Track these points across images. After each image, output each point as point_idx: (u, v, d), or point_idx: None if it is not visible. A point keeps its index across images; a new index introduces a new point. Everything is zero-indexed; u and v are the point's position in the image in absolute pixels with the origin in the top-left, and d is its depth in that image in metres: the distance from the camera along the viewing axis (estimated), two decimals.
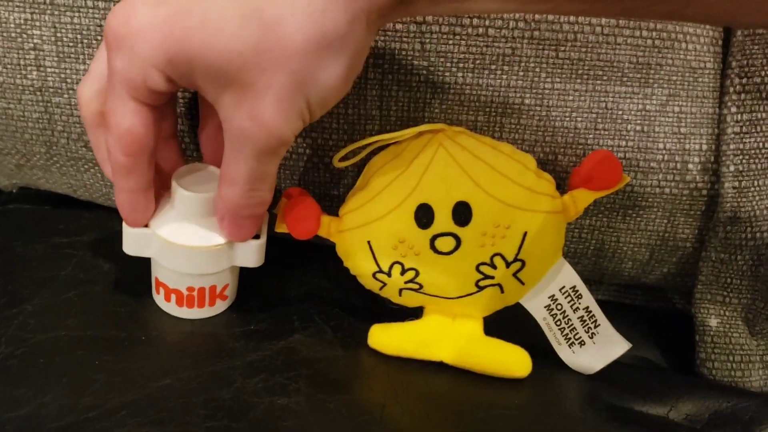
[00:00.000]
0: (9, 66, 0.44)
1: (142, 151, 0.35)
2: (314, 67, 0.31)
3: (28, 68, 0.44)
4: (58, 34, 0.43)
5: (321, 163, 0.45)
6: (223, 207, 0.37)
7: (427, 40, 0.41)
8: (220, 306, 0.43)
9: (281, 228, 0.41)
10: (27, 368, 0.37)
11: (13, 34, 0.44)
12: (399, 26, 0.40)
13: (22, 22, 0.43)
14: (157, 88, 0.33)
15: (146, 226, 0.39)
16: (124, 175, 0.36)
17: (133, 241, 0.40)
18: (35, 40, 0.44)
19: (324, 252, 0.43)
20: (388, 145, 0.41)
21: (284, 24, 0.30)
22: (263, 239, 0.40)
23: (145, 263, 0.42)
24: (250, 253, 0.40)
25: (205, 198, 0.39)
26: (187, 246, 0.39)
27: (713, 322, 0.45)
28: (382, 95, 0.42)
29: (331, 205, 0.46)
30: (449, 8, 0.34)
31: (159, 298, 0.43)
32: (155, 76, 0.32)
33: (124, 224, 0.39)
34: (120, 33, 0.31)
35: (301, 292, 0.46)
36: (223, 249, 0.39)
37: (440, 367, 0.42)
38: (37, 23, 0.43)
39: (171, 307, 0.42)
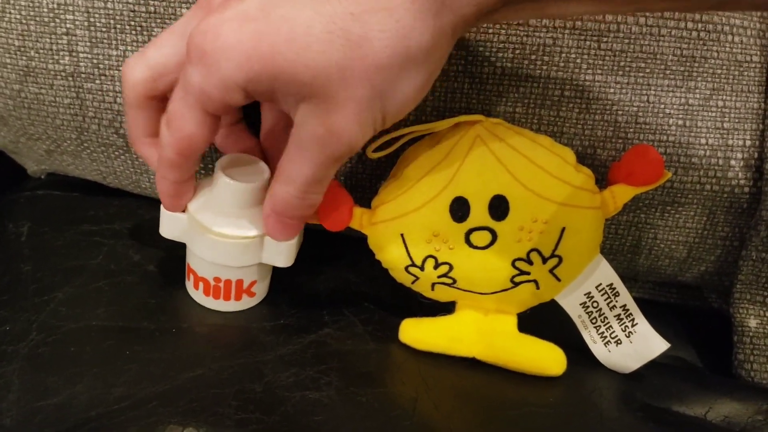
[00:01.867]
0: (41, 51, 0.44)
1: (194, 154, 0.35)
2: (396, 80, 0.31)
3: (61, 53, 0.44)
4: (91, 19, 0.43)
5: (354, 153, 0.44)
6: (272, 204, 0.36)
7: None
8: (247, 302, 0.42)
9: (313, 219, 0.40)
10: (58, 357, 0.37)
11: (45, 19, 0.43)
12: None
13: (56, 6, 0.43)
14: (234, 104, 0.33)
15: (184, 210, 0.39)
16: (170, 169, 0.36)
17: (169, 224, 0.40)
18: (68, 25, 0.43)
19: (355, 244, 0.42)
20: (423, 136, 0.40)
21: (371, 42, 0.30)
22: (294, 239, 0.40)
23: (174, 255, 0.42)
24: (280, 253, 0.40)
25: (244, 188, 0.39)
26: (218, 233, 0.39)
27: (752, 322, 0.44)
28: None
29: (363, 196, 0.46)
30: (534, 14, 0.34)
31: (189, 285, 0.43)
32: (235, 93, 0.32)
33: (162, 207, 0.39)
34: (205, 49, 0.31)
35: (331, 286, 0.45)
36: (252, 243, 0.39)
37: (472, 363, 0.41)
38: (71, 8, 0.43)
39: (198, 296, 0.42)
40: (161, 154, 0.36)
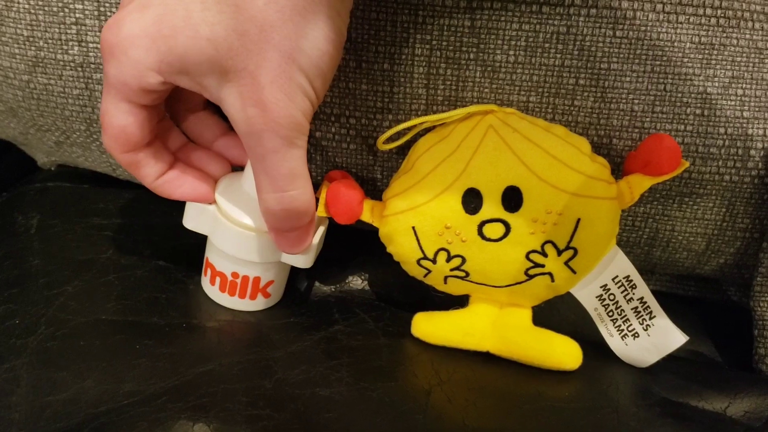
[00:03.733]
0: (50, 41, 0.44)
1: (138, 147, 0.36)
2: (295, 36, 0.32)
3: (70, 43, 0.44)
4: (101, 9, 0.43)
5: (364, 145, 0.44)
6: (266, 219, 0.37)
7: (478, 17, 0.39)
8: (261, 302, 0.42)
9: (323, 212, 0.40)
10: (67, 351, 0.37)
11: (54, 9, 0.43)
12: (448, 2, 0.39)
13: None
14: (153, 88, 0.33)
15: (211, 203, 0.40)
16: (135, 170, 0.37)
17: (194, 215, 0.40)
18: (77, 15, 0.43)
19: (366, 237, 0.42)
20: (434, 127, 0.40)
21: (255, 2, 0.31)
22: (316, 240, 0.39)
23: (185, 250, 0.41)
24: (300, 254, 0.40)
25: None
26: (241, 224, 0.39)
27: None
28: (429, 73, 0.41)
29: (374, 188, 0.45)
30: None
31: (205, 280, 0.42)
32: (150, 77, 0.33)
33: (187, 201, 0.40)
34: (112, 42, 0.32)
35: (342, 281, 0.45)
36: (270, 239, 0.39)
37: (486, 357, 0.41)
38: None
39: (214, 292, 0.42)
40: (120, 163, 0.37)
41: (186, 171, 0.39)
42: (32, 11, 0.43)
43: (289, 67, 0.32)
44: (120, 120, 0.34)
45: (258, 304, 0.42)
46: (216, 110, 0.42)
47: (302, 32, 0.32)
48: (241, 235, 0.39)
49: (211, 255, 0.41)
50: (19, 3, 0.43)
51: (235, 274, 0.40)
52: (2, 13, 0.44)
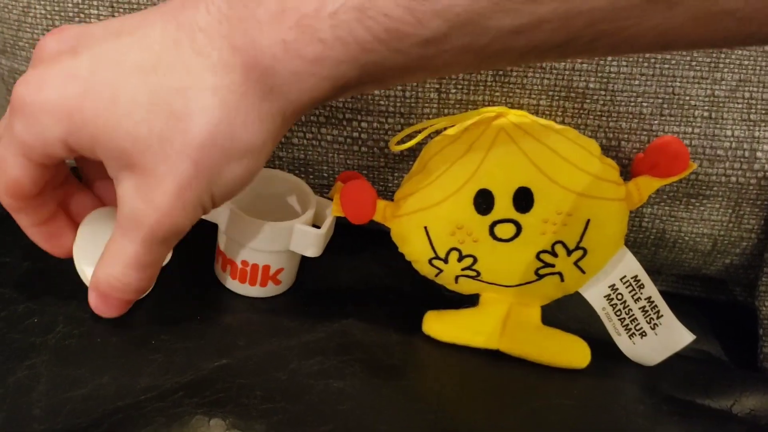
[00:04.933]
0: None
1: (28, 198, 0.35)
2: (220, 163, 0.31)
3: None
4: (116, 14, 0.43)
5: (376, 147, 0.44)
6: (95, 281, 0.36)
7: None
8: (272, 289, 0.43)
9: (337, 212, 0.40)
10: (85, 348, 0.37)
11: (70, 14, 0.44)
12: None
13: (80, 1, 0.43)
14: (56, 155, 0.33)
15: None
16: (17, 213, 0.36)
17: None
18: (93, 20, 0.44)
19: (379, 237, 0.42)
20: (445, 129, 0.40)
21: (192, 119, 0.30)
22: (324, 230, 0.40)
23: (199, 246, 0.42)
24: (310, 242, 0.40)
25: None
26: (245, 216, 0.39)
27: None
28: (441, 78, 0.41)
29: (386, 189, 0.46)
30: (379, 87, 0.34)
31: (217, 267, 0.43)
32: (56, 146, 0.32)
33: None
34: (26, 101, 0.31)
35: (355, 277, 0.45)
36: (283, 228, 0.40)
37: (496, 355, 0.41)
38: (95, 2, 0.43)
39: (225, 278, 0.43)
40: (3, 203, 0.36)
41: (62, 226, 0.39)
42: (48, 17, 0.44)
43: (198, 185, 0.31)
44: (15, 172, 0.33)
45: (269, 290, 0.43)
46: None
47: (229, 163, 0.31)
48: (249, 223, 0.39)
49: (222, 243, 0.42)
50: (35, 9, 0.44)
51: (245, 262, 0.41)
52: (19, 19, 0.44)
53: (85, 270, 0.38)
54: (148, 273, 0.35)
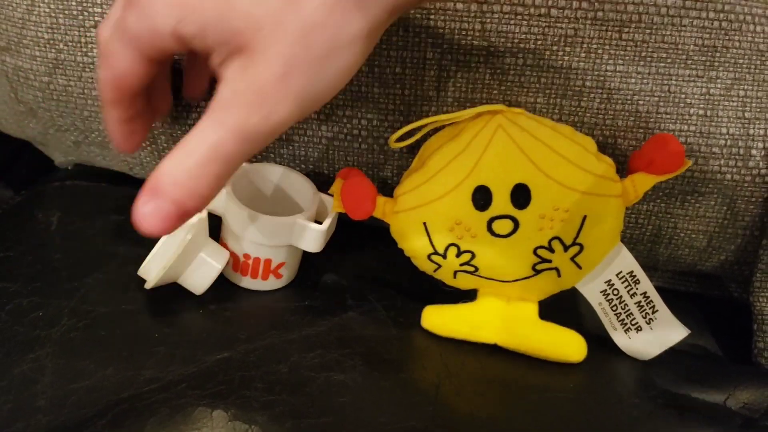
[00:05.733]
0: (70, 43, 0.45)
1: (130, 92, 0.35)
2: (328, 49, 0.30)
3: (89, 45, 0.45)
4: None
5: (376, 144, 0.45)
6: (155, 178, 0.31)
7: (488, 20, 0.40)
8: (273, 283, 0.43)
9: (337, 208, 0.41)
10: (89, 341, 0.38)
11: (74, 12, 0.44)
12: (459, 6, 0.40)
13: None
14: (165, 48, 0.32)
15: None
16: (111, 106, 0.36)
17: None
18: (96, 18, 0.44)
19: (378, 233, 0.43)
20: (444, 126, 0.41)
21: (306, 1, 0.29)
22: (326, 225, 0.41)
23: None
24: (311, 238, 0.41)
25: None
26: (244, 211, 0.40)
27: None
28: (440, 76, 0.42)
29: (385, 186, 0.46)
30: None
31: None
32: (166, 37, 0.31)
33: None
34: None
35: (355, 272, 0.46)
36: (285, 223, 0.40)
37: (494, 349, 0.42)
38: (99, 1, 0.44)
39: (228, 271, 0.43)
40: (101, 95, 0.35)
41: (142, 124, 0.38)
42: (53, 15, 0.44)
43: (305, 73, 0.30)
44: (123, 65, 0.33)
45: (270, 284, 0.43)
46: None
47: (335, 47, 0.30)
48: (252, 217, 0.40)
49: (224, 236, 0.43)
50: (39, 7, 0.44)
51: (247, 256, 0.42)
52: (24, 17, 0.45)
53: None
54: (222, 172, 0.31)
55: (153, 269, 0.39)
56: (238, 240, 0.42)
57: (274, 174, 0.44)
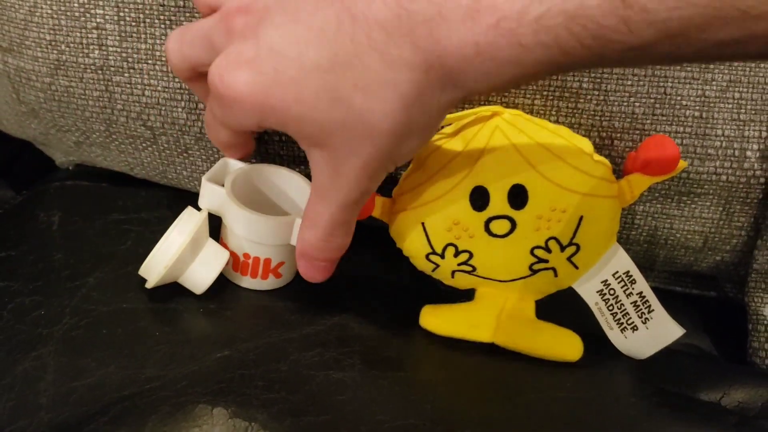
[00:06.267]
0: (72, 45, 0.45)
1: (236, 145, 0.42)
2: (398, 144, 0.33)
3: (91, 47, 0.45)
4: (121, 14, 0.44)
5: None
6: (301, 248, 0.39)
7: None
8: (273, 282, 0.44)
9: None
10: (90, 339, 0.38)
11: (76, 14, 0.44)
12: None
13: (86, 1, 0.44)
14: (253, 129, 0.37)
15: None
16: (224, 148, 0.43)
17: (209, 196, 0.42)
18: (98, 20, 0.44)
19: (377, 233, 0.43)
20: (443, 127, 0.41)
21: (373, 113, 0.32)
22: None
23: None
24: None
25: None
26: (242, 211, 0.40)
27: (767, 311, 0.45)
28: None
29: (385, 186, 0.46)
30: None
31: None
32: (251, 126, 0.35)
33: (203, 181, 0.42)
34: (221, 93, 0.34)
35: (354, 271, 0.46)
36: (284, 223, 0.41)
37: (491, 348, 0.42)
38: (101, 3, 0.44)
39: (226, 270, 0.43)
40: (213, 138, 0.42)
41: (249, 141, 0.44)
42: (55, 16, 0.45)
43: (381, 159, 0.34)
44: (224, 138, 0.41)
45: (270, 284, 0.44)
46: None
47: (407, 141, 0.33)
48: (251, 217, 0.40)
49: (224, 235, 0.43)
50: (42, 8, 0.45)
51: (246, 255, 0.42)
52: (26, 18, 0.45)
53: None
54: (347, 230, 0.38)
55: (154, 269, 0.40)
56: (237, 240, 0.42)
57: (273, 174, 0.44)
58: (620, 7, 0.26)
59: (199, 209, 0.42)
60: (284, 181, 0.44)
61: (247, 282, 0.43)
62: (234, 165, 0.44)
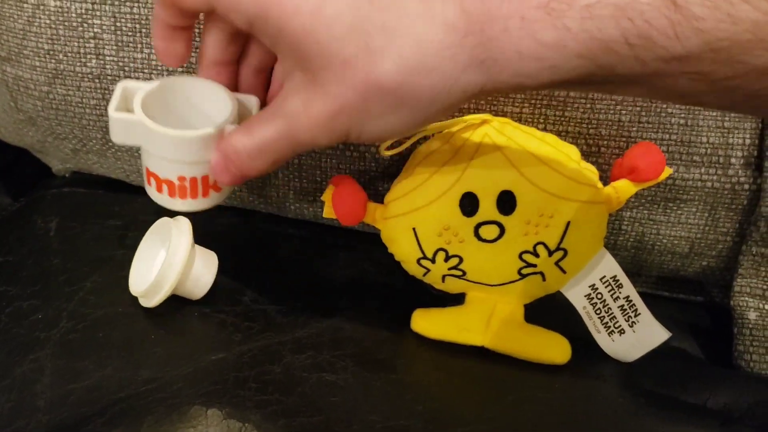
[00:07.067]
0: (69, 54, 0.46)
1: (186, 16, 0.35)
2: (386, 108, 0.31)
3: (88, 56, 0.46)
4: (118, 24, 0.45)
5: (367, 152, 0.46)
6: (225, 146, 0.35)
7: None
8: (215, 197, 0.40)
9: (329, 213, 0.42)
10: (88, 342, 0.39)
11: (74, 24, 0.45)
12: None
13: (84, 11, 0.45)
14: (233, 23, 0.32)
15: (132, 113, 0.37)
16: (163, 7, 0.35)
17: (120, 129, 0.37)
18: (95, 30, 0.45)
19: (369, 238, 0.44)
20: (433, 135, 0.42)
21: (384, 60, 0.29)
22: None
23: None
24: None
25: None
26: (172, 133, 0.36)
27: (752, 315, 0.46)
28: None
29: (376, 192, 0.47)
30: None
31: (151, 190, 0.40)
32: (239, 19, 0.32)
33: (109, 111, 0.37)
34: None
35: (347, 275, 0.47)
36: (211, 136, 0.37)
37: (481, 351, 0.43)
38: (98, 13, 0.45)
39: (163, 199, 0.40)
40: None
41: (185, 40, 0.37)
42: (53, 26, 0.45)
43: (354, 117, 0.31)
44: (172, 19, 0.35)
45: (212, 199, 0.40)
46: None
47: (396, 110, 0.31)
48: (179, 138, 0.37)
49: (151, 164, 0.39)
50: (40, 18, 0.45)
51: (181, 178, 0.38)
52: (24, 28, 0.46)
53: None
54: (274, 159, 0.35)
55: (156, 294, 0.40)
56: (169, 164, 0.38)
57: (183, 88, 0.40)
58: (671, 8, 0.26)
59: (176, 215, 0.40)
60: (195, 92, 0.40)
61: (187, 204, 0.39)
62: (133, 88, 0.38)
